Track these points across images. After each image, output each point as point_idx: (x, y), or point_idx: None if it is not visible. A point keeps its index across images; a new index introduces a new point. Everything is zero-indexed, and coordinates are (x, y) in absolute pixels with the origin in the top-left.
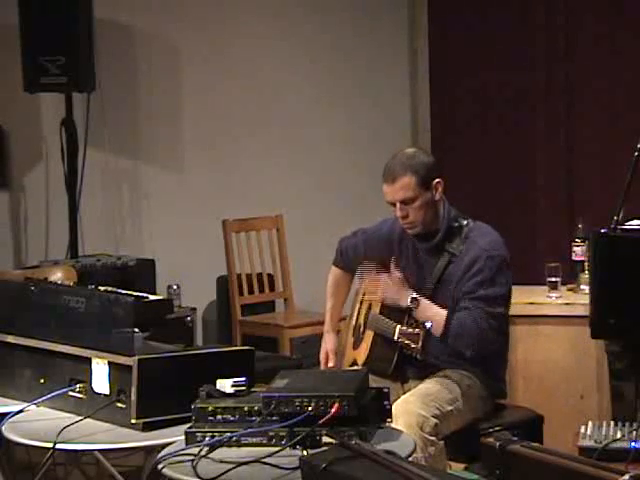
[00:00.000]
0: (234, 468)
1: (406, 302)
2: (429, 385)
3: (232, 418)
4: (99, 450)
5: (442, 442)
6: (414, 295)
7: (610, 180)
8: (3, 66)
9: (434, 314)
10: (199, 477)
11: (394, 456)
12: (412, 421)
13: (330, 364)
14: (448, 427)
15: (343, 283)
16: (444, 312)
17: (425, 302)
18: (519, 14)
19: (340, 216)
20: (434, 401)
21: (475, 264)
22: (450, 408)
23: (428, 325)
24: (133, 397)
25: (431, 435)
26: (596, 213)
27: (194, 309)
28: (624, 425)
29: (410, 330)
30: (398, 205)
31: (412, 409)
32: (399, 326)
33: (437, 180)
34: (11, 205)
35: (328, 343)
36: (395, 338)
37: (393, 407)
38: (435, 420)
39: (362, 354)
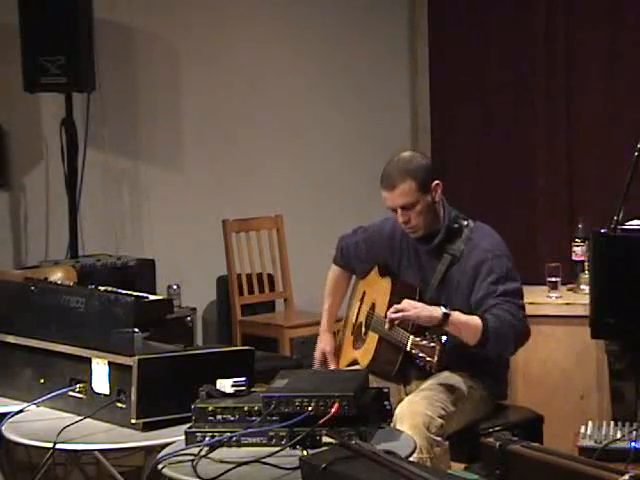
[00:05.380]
0: (234, 468)
1: (439, 318)
2: (433, 386)
3: (232, 418)
4: (99, 450)
5: (447, 442)
6: (445, 310)
7: (610, 180)
8: (3, 66)
9: (467, 320)
10: (199, 477)
11: (394, 456)
12: (418, 421)
13: (332, 366)
14: (451, 427)
15: (342, 282)
16: (474, 317)
17: (455, 312)
18: (519, 14)
19: (340, 216)
20: (439, 401)
21: (483, 266)
22: (454, 408)
23: (444, 338)
24: (133, 397)
25: (437, 435)
26: (596, 213)
27: (194, 309)
28: (624, 425)
29: (425, 342)
30: (399, 211)
31: (418, 409)
32: (412, 337)
33: (436, 182)
34: (11, 205)
35: (326, 344)
36: (407, 349)
37: (398, 408)
38: (441, 420)
39: (366, 356)
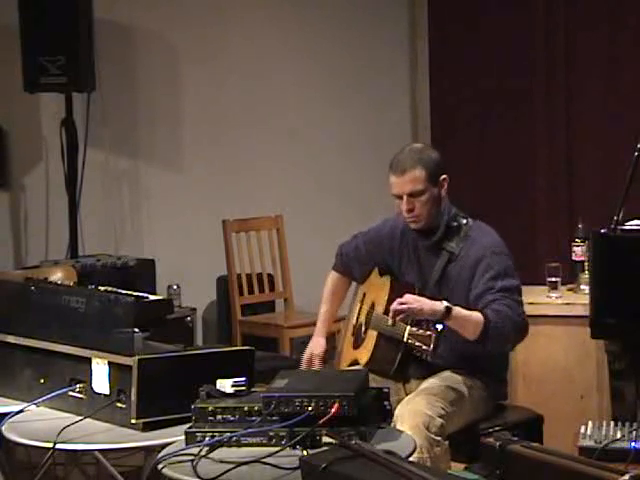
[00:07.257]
0: (234, 468)
1: (442, 310)
2: (433, 385)
3: (232, 418)
4: (99, 450)
5: (447, 442)
6: (447, 304)
7: (610, 180)
8: (3, 66)
9: (469, 314)
10: (199, 477)
11: (394, 456)
12: (418, 421)
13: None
14: (451, 427)
15: (340, 289)
16: (475, 312)
17: (457, 307)
18: (519, 14)
19: (340, 216)
20: (439, 401)
21: (482, 262)
22: (454, 408)
23: (440, 327)
24: (133, 397)
25: (437, 435)
26: (596, 213)
27: (194, 309)
28: (624, 425)
29: (421, 332)
30: (405, 198)
31: (418, 409)
32: (409, 327)
33: (443, 177)
34: (11, 205)
35: (316, 347)
36: (404, 339)
37: (398, 407)
38: (441, 420)
39: (364, 354)
